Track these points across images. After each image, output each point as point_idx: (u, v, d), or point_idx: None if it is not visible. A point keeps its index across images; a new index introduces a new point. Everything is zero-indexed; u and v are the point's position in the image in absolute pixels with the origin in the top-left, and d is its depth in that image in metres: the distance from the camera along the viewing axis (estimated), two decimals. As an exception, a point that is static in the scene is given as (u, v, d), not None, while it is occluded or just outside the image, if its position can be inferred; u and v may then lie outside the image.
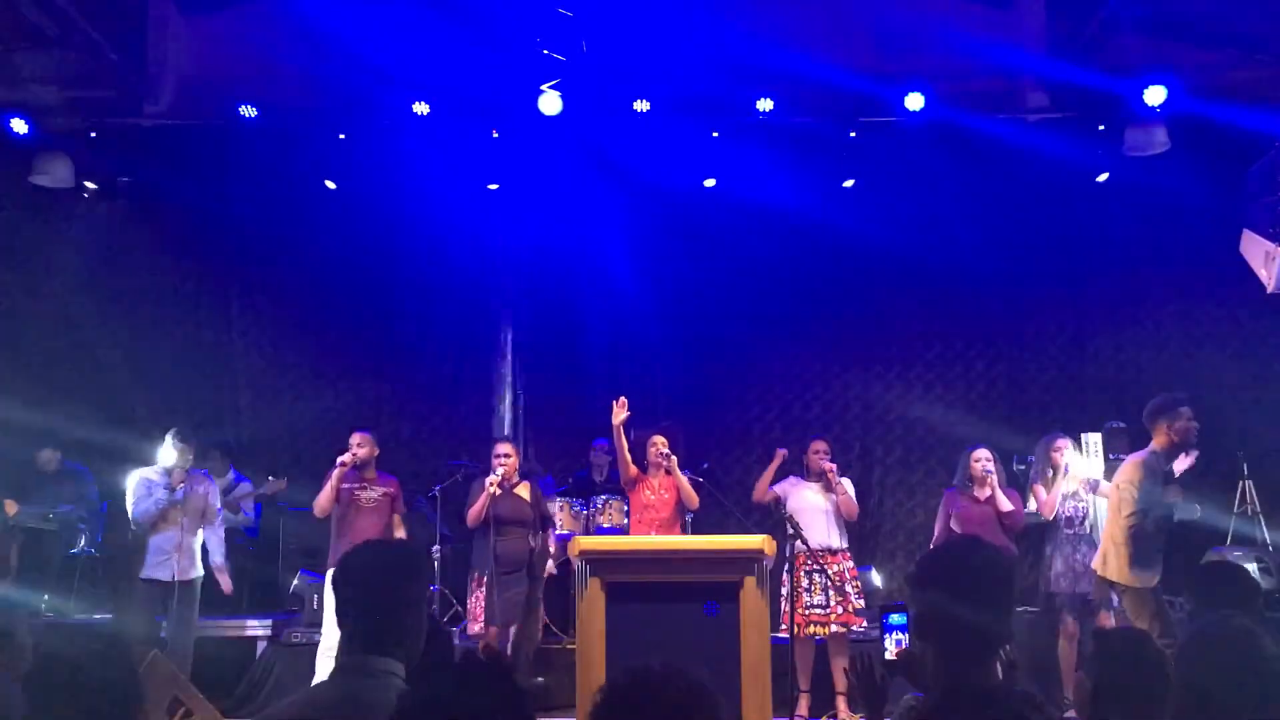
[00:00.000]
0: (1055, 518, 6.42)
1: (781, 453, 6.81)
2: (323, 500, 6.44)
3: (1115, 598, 5.84)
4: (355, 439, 6.55)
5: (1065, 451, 6.48)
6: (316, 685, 2.56)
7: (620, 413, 6.35)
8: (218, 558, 6.77)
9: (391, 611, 2.27)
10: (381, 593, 2.27)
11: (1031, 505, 6.60)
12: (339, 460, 6.43)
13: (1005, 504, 6.41)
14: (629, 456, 6.53)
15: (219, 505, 6.88)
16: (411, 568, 2.38)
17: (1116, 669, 2.54)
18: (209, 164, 8.25)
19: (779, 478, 6.72)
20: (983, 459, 6.48)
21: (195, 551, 6.59)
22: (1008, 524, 6.41)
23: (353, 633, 2.27)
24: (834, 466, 6.59)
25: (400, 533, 6.70)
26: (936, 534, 6.65)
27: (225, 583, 6.78)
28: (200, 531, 6.66)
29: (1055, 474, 6.47)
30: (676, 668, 1.69)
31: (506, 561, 6.41)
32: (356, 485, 6.50)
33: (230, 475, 8.36)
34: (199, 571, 6.62)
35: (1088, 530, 6.40)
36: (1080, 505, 6.44)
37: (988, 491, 6.41)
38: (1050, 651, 6.41)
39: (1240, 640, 2.48)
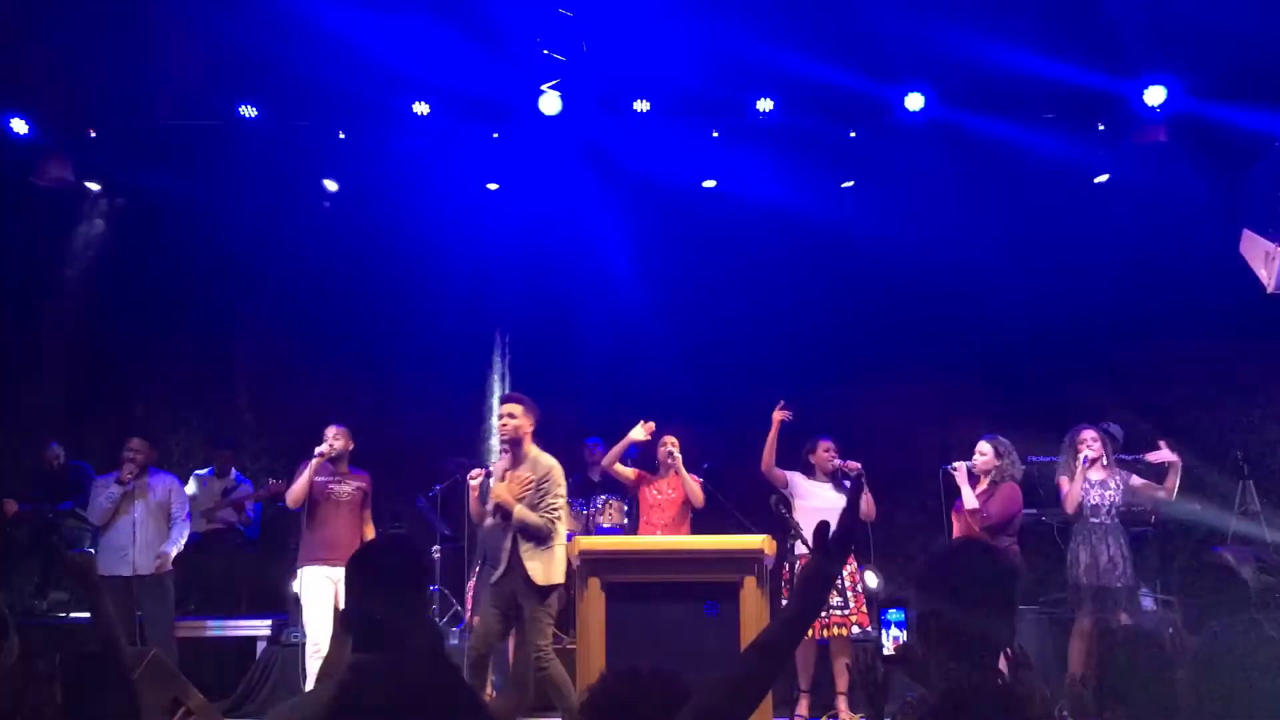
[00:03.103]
0: (1081, 508, 6.22)
1: (781, 415, 6.53)
2: (297, 491, 6.37)
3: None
4: (330, 431, 6.47)
5: (1090, 443, 6.26)
6: (326, 683, 2.58)
7: (643, 434, 6.41)
8: (168, 547, 6.72)
9: (405, 607, 2.30)
10: (397, 589, 2.31)
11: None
12: (316, 451, 6.37)
13: (971, 500, 6.27)
14: (619, 465, 6.62)
15: (183, 506, 6.85)
16: (421, 563, 2.43)
17: (1119, 668, 2.54)
18: (209, 164, 8.25)
19: (784, 466, 6.67)
20: (976, 451, 6.41)
21: (156, 548, 6.58)
22: (975, 522, 6.22)
23: (366, 630, 2.29)
24: (859, 465, 6.51)
25: (369, 528, 6.62)
26: (954, 530, 6.58)
27: (162, 562, 6.67)
28: (165, 528, 6.66)
29: (1078, 466, 6.25)
30: (666, 670, 1.71)
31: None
32: (331, 479, 6.45)
33: (232, 476, 8.36)
34: (165, 568, 6.62)
35: (1115, 521, 6.21)
36: (1108, 494, 6.22)
37: (981, 486, 6.35)
38: (1064, 648, 6.32)
39: (1268, 648, 2.44)
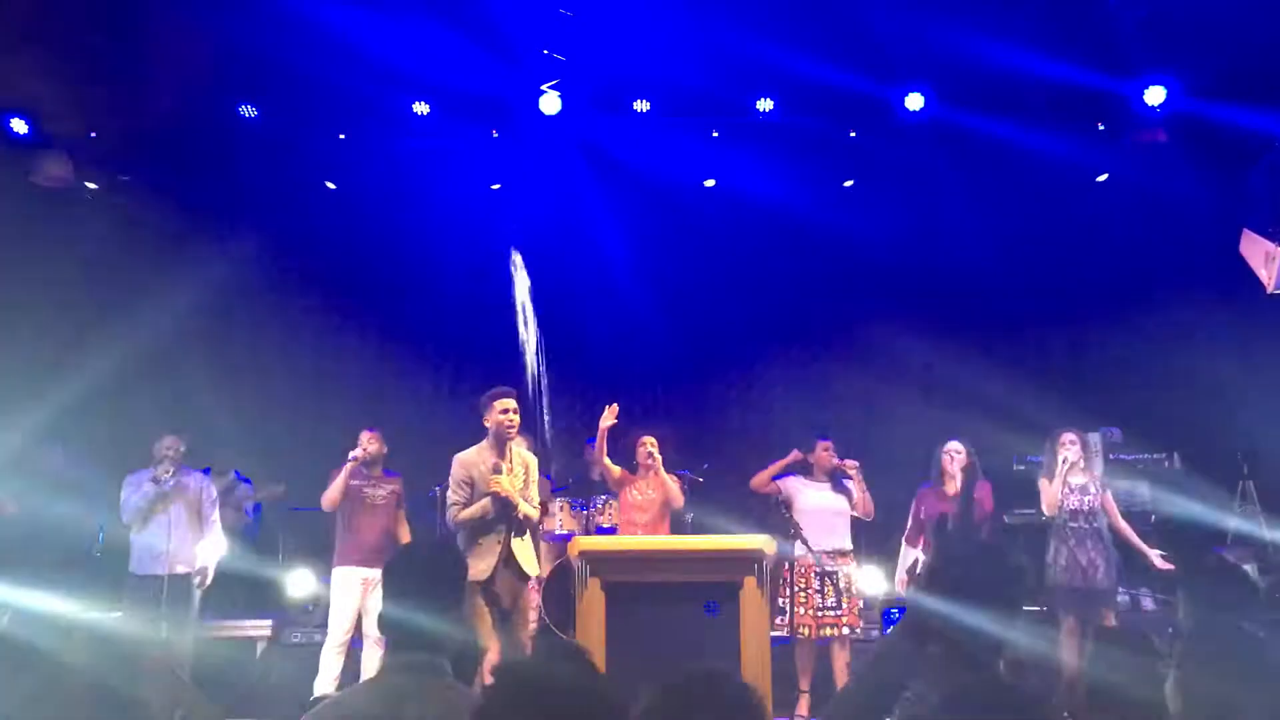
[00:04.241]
0: (1061, 511, 6.28)
1: (797, 454, 6.66)
2: (332, 495, 6.45)
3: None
4: (365, 436, 6.56)
5: (1069, 445, 6.34)
6: (366, 682, 2.64)
7: (609, 419, 6.34)
8: (208, 561, 6.71)
9: (441, 609, 2.36)
10: (430, 592, 2.37)
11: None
12: (350, 456, 6.44)
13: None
14: (608, 460, 6.55)
15: (214, 506, 6.83)
16: (457, 565, 2.48)
17: (1110, 668, 2.54)
18: (209, 164, 8.25)
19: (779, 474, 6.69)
20: (951, 451, 6.48)
21: (190, 547, 6.57)
22: (976, 518, 6.35)
23: (401, 631, 2.35)
24: (857, 464, 6.55)
25: (403, 530, 6.69)
26: (909, 530, 6.60)
27: (203, 579, 6.66)
28: (198, 528, 6.64)
29: (1058, 468, 6.32)
30: (726, 673, 1.72)
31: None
32: (365, 483, 6.53)
33: (232, 475, 8.35)
34: (194, 567, 6.60)
35: (1095, 525, 6.26)
36: (1088, 499, 6.28)
37: (957, 486, 6.43)
38: (1053, 649, 6.35)
39: (1247, 647, 2.46)
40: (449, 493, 5.50)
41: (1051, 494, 6.30)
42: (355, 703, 2.35)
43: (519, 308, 9.08)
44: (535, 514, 5.58)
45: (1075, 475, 6.35)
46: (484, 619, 5.36)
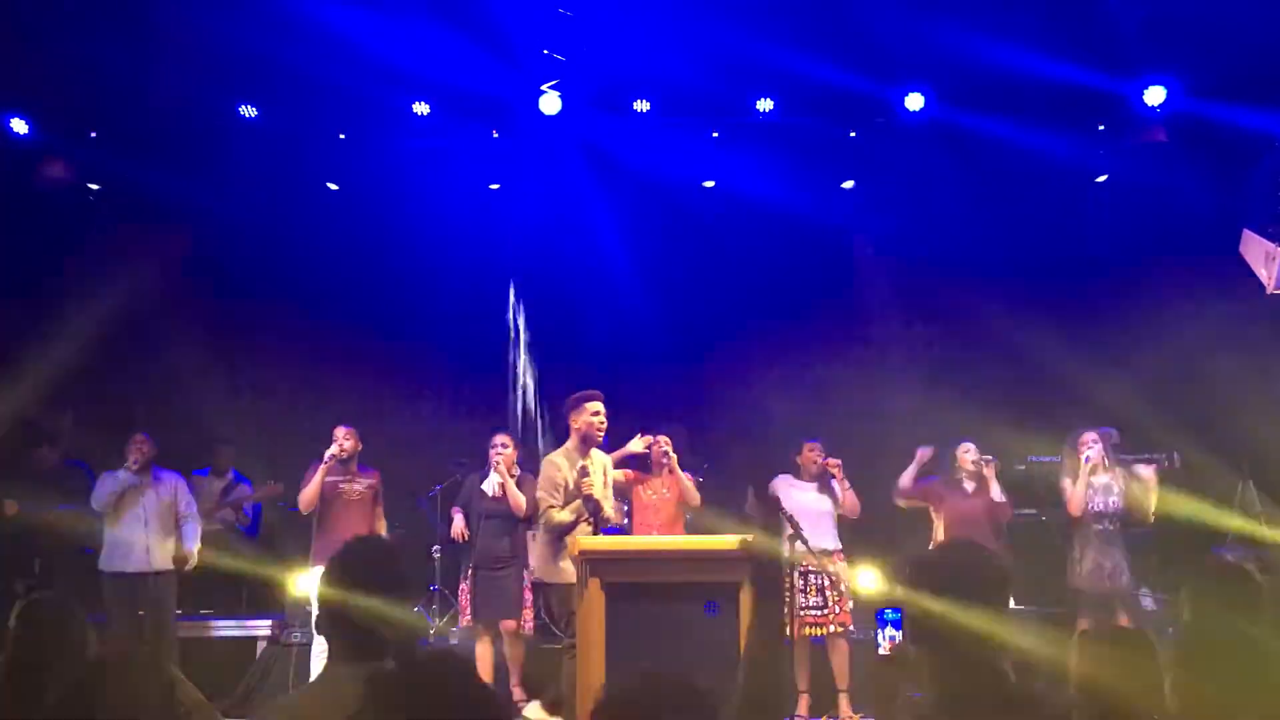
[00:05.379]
0: (1085, 513, 6.26)
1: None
2: (309, 494, 6.44)
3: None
4: (340, 432, 6.53)
5: (1090, 445, 6.33)
6: (307, 685, 2.59)
7: (639, 446, 6.31)
8: (190, 544, 6.71)
9: (375, 607, 2.27)
10: (365, 589, 2.28)
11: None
12: (326, 454, 6.41)
13: (999, 494, 6.45)
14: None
15: (191, 503, 6.83)
16: (389, 561, 2.39)
17: (1101, 669, 2.54)
18: (209, 164, 8.25)
19: (771, 476, 6.69)
20: (972, 451, 6.54)
21: (164, 546, 6.57)
22: (1000, 517, 6.45)
23: (340, 631, 2.28)
24: (839, 462, 6.57)
25: (381, 526, 6.68)
26: (935, 526, 6.60)
27: (187, 553, 6.66)
28: (172, 528, 6.64)
29: (1080, 469, 6.32)
30: (678, 674, 1.71)
31: (486, 556, 6.52)
32: (341, 479, 6.51)
33: (230, 475, 8.35)
34: (171, 565, 6.61)
35: (1118, 528, 6.25)
36: (1113, 500, 6.25)
37: (974, 485, 6.50)
38: (1063, 651, 6.32)
39: (1243, 648, 2.46)
40: (542, 494, 5.41)
41: (1077, 496, 6.25)
42: (301, 710, 2.32)
43: (512, 313, 9.12)
44: (615, 517, 5.67)
45: (1099, 475, 6.30)
46: None
